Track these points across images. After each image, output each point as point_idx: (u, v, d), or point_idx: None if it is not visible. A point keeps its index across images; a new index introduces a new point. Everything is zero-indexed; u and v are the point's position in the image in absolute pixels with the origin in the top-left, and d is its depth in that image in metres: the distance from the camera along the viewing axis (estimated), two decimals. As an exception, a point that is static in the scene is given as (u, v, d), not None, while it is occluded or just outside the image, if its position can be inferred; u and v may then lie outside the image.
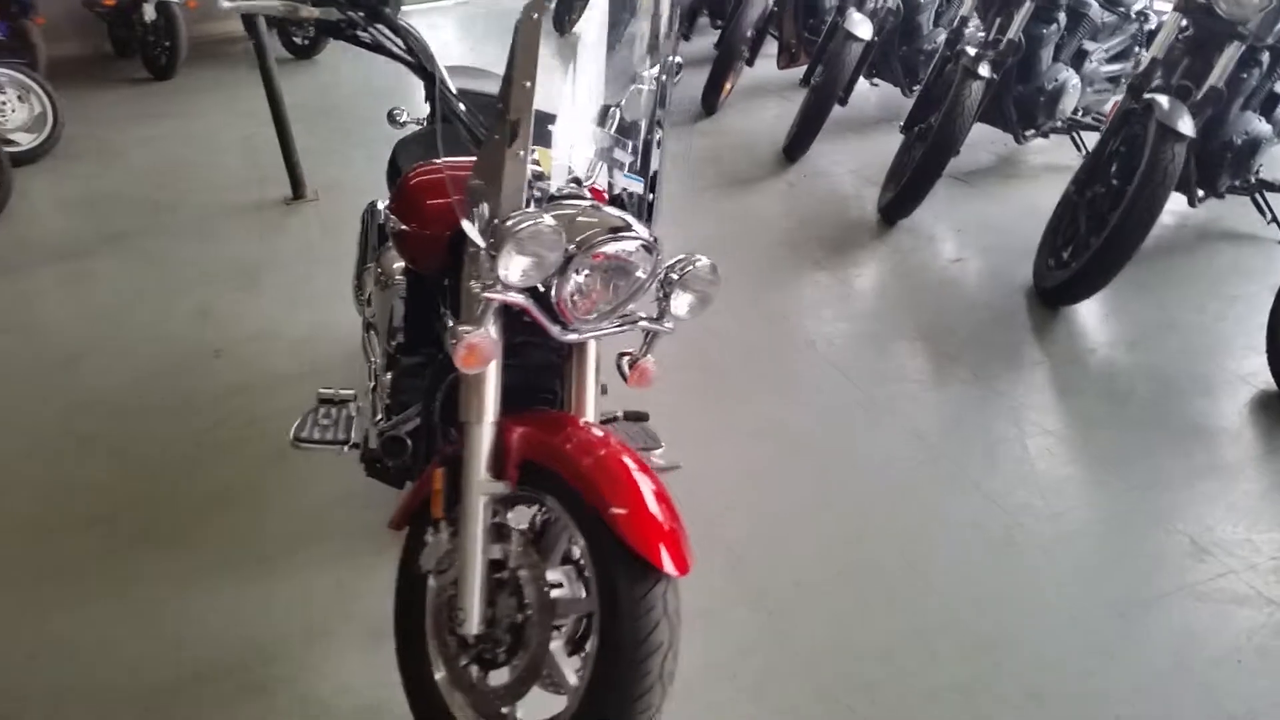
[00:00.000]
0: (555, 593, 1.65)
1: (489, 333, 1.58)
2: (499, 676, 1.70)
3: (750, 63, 5.94)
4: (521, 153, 1.60)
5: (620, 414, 2.43)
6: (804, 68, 5.81)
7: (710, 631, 2.11)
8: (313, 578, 2.28)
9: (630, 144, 1.81)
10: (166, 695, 2.02)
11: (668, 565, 1.48)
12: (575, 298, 1.65)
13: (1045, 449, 2.66)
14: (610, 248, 1.62)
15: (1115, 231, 3.07)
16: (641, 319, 1.76)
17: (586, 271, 1.63)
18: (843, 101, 4.94)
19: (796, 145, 4.92)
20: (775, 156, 4.98)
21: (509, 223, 1.51)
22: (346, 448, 2.16)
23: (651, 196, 1.85)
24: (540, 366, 1.92)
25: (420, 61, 1.85)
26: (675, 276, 1.74)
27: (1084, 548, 2.32)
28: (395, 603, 1.85)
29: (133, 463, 2.76)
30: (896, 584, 2.24)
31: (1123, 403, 2.86)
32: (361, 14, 1.77)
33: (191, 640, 2.15)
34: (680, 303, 1.77)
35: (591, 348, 1.81)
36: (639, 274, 1.67)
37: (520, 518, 1.75)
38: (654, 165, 1.86)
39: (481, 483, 1.64)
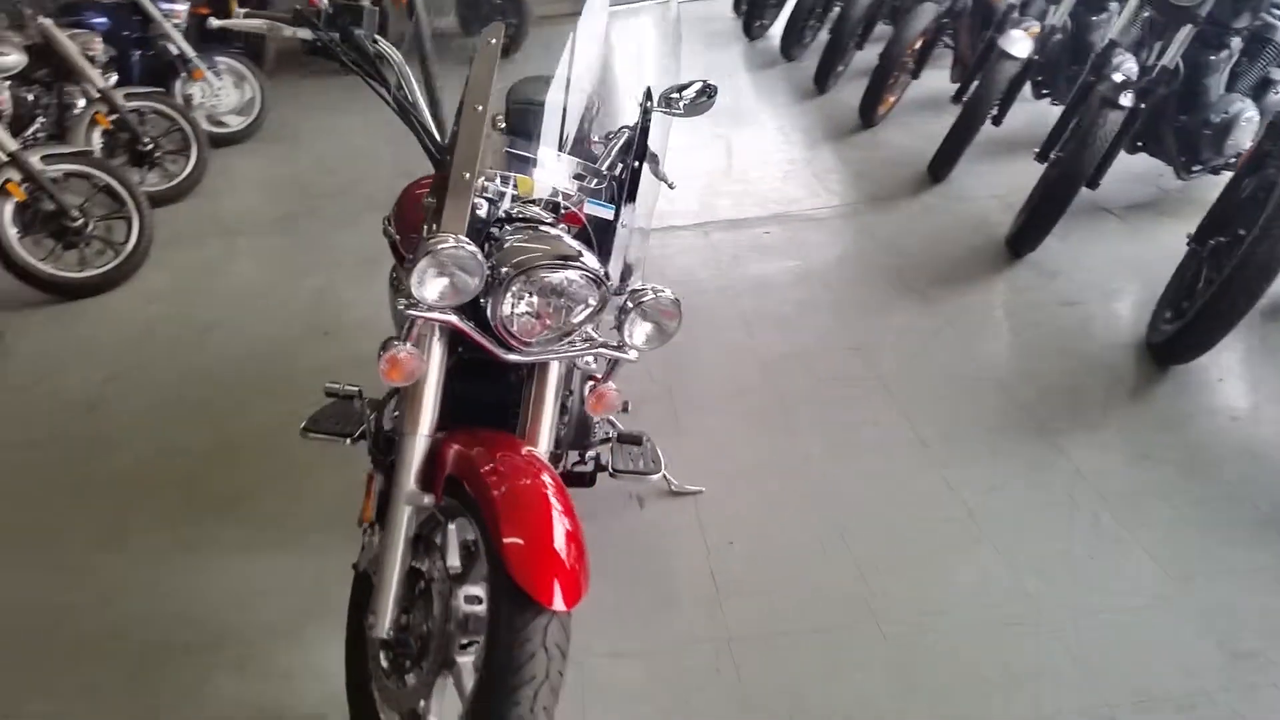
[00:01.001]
0: (469, 609, 1.68)
1: (410, 348, 1.62)
2: (411, 679, 1.76)
3: (916, 75, 5.71)
4: (467, 174, 1.66)
5: (614, 435, 2.47)
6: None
7: (655, 663, 2.11)
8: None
9: (604, 171, 1.83)
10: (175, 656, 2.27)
11: (556, 601, 1.48)
12: (518, 319, 1.68)
13: (1092, 517, 2.46)
14: (551, 275, 1.66)
15: (1227, 284, 2.76)
16: (601, 346, 1.79)
17: (526, 295, 1.67)
18: (996, 121, 4.67)
19: (942, 164, 4.71)
20: (921, 176, 4.79)
21: (429, 242, 1.56)
22: (351, 440, 2.32)
23: (622, 225, 1.87)
24: (513, 386, 1.95)
25: (381, 82, 1.92)
26: (631, 305, 1.75)
27: (1092, 638, 2.13)
28: (350, 599, 1.95)
29: (225, 433, 3.07)
30: (871, 647, 2.16)
31: (1201, 479, 2.58)
32: (336, 35, 1.91)
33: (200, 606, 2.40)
34: (638, 332, 1.78)
35: (552, 371, 1.84)
36: (584, 304, 1.71)
37: (464, 531, 1.77)
38: (631, 195, 1.85)
39: (408, 493, 1.70)
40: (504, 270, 1.65)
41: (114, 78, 4.91)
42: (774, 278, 3.86)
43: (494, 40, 1.72)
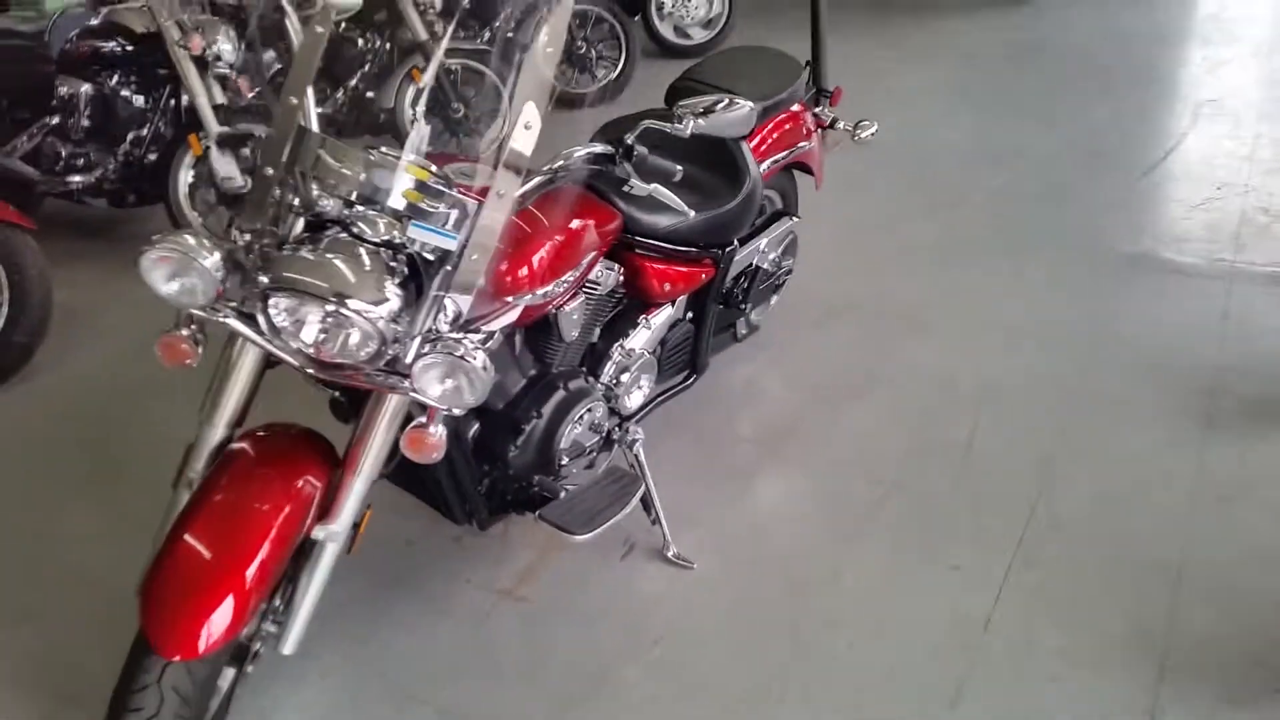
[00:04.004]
0: None
1: (181, 333, 1.71)
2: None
3: None
4: (270, 170, 1.64)
5: (599, 473, 2.34)
6: None
7: None
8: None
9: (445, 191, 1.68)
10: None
11: (172, 649, 1.59)
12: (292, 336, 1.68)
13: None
14: (285, 299, 1.63)
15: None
16: (404, 385, 1.68)
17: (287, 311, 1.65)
18: None
19: None
20: None
21: (154, 237, 1.62)
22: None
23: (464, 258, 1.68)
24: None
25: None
26: (425, 350, 1.65)
27: None
28: None
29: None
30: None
31: None
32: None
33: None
34: (429, 382, 1.66)
35: (387, 402, 1.78)
36: (349, 337, 1.65)
37: None
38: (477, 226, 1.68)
39: (186, 478, 1.81)
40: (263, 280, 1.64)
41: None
42: None
43: (320, 29, 1.64)
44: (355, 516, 1.84)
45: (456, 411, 1.75)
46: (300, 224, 1.75)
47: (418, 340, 1.66)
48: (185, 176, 4.04)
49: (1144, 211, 4.14)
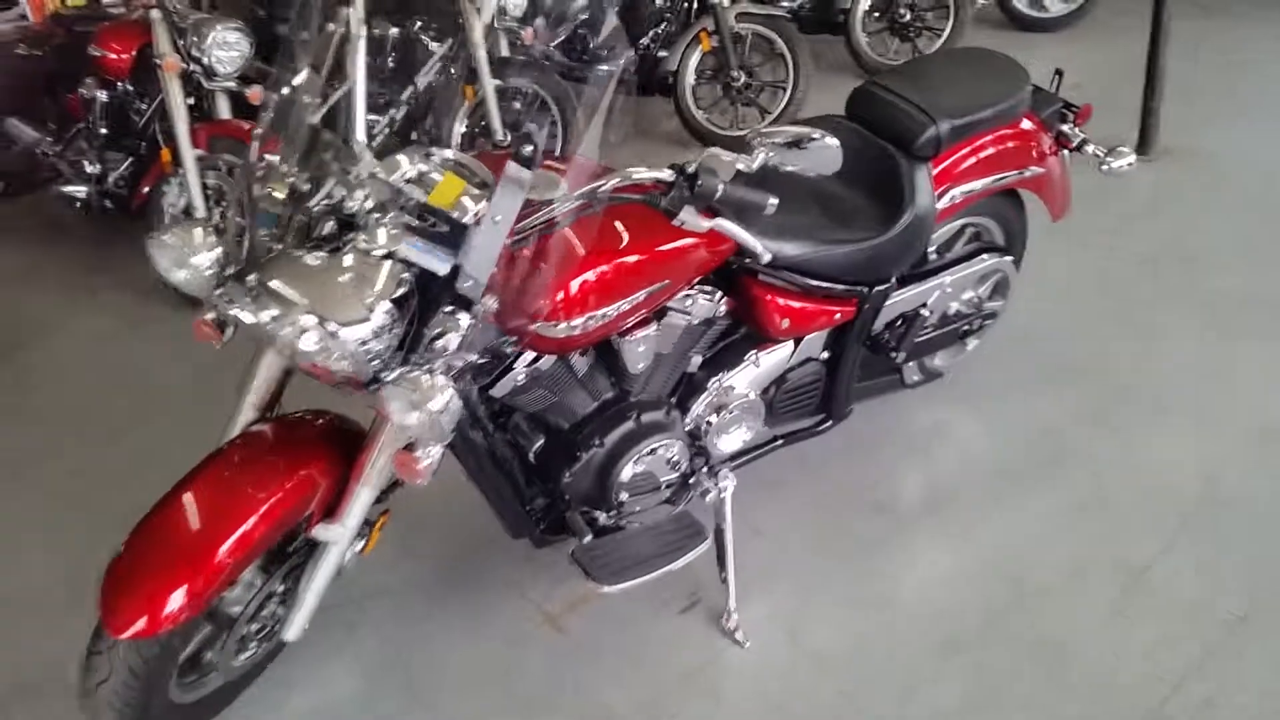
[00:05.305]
0: None
1: (208, 318, 1.73)
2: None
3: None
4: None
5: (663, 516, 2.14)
6: None
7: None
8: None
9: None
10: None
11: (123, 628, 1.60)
12: None
13: None
14: (262, 301, 1.56)
15: None
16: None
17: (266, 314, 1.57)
18: None
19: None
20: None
21: (166, 223, 1.62)
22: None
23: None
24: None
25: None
26: (388, 379, 1.57)
27: None
28: None
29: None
30: None
31: None
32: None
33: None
34: (394, 408, 1.55)
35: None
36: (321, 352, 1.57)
37: None
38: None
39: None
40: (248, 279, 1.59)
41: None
42: None
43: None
44: (360, 523, 1.81)
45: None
46: (330, 223, 1.69)
47: (375, 365, 1.58)
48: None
49: None
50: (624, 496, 2.11)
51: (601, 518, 2.16)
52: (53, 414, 3.02)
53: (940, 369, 2.74)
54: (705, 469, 2.25)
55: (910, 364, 2.63)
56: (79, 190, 3.63)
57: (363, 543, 1.90)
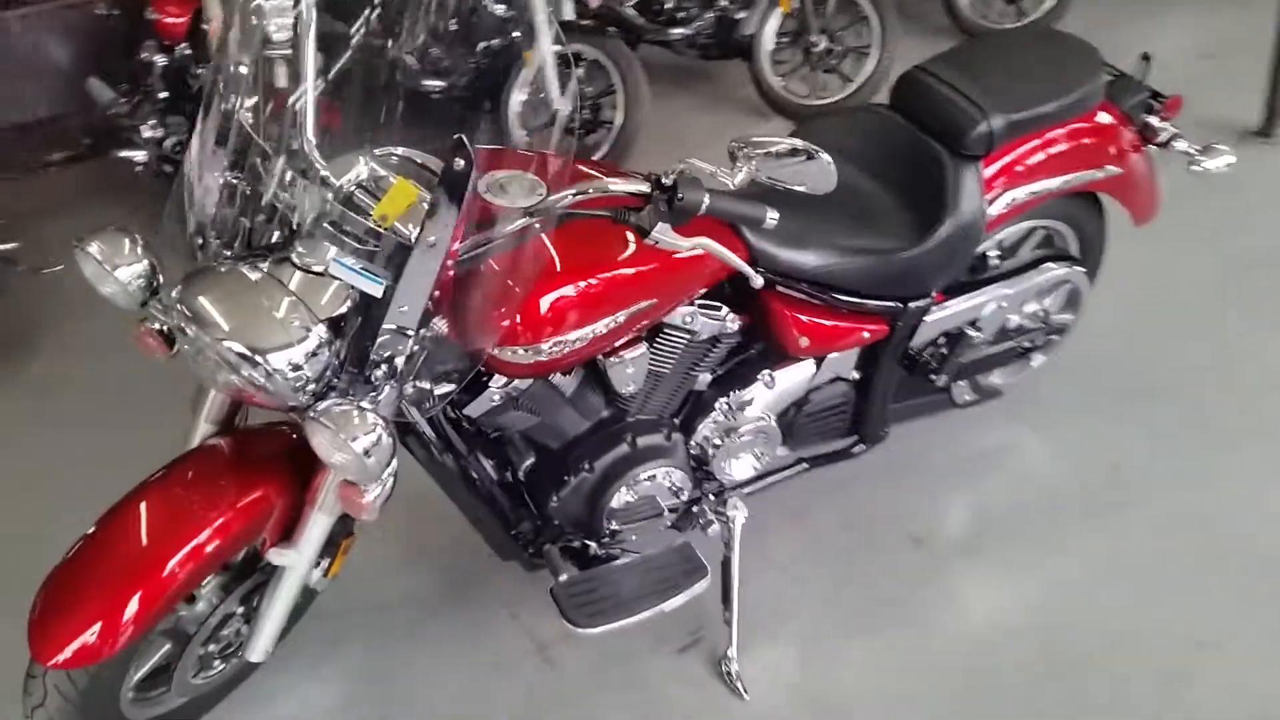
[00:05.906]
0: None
1: (152, 329, 1.60)
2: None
3: None
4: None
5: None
6: None
7: None
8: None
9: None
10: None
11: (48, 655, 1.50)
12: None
13: None
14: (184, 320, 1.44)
15: None
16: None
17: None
18: None
19: None
20: None
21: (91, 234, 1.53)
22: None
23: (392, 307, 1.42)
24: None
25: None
26: (312, 415, 1.39)
27: None
28: None
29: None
30: None
31: None
32: None
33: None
34: (319, 441, 1.40)
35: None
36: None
37: None
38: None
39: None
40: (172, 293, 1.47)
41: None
42: None
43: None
44: (317, 550, 1.69)
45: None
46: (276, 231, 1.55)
47: (312, 389, 1.43)
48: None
49: None
50: (615, 525, 1.95)
51: (592, 546, 2.00)
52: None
53: (998, 387, 2.45)
54: (713, 496, 2.06)
55: (961, 382, 2.36)
56: (138, 155, 3.60)
57: (327, 562, 1.79)
